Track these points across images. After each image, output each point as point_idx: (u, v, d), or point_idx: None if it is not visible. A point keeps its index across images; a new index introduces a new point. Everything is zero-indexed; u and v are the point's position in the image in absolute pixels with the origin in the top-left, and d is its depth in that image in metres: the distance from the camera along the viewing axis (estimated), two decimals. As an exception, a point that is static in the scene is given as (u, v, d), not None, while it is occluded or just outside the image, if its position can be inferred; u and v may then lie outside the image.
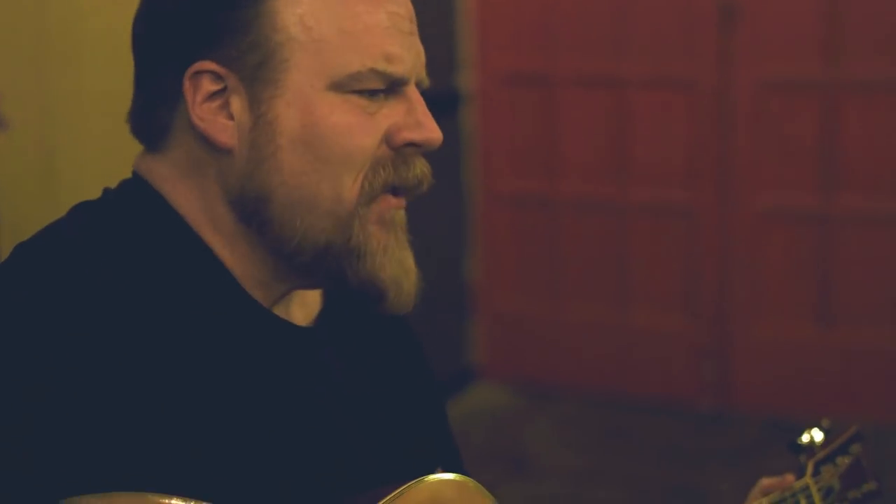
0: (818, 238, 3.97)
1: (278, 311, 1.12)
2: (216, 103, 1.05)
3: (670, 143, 4.10)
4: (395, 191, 1.10)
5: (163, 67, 1.07)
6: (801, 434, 1.39)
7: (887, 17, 3.81)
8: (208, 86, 1.05)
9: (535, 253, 4.35)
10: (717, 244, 4.08)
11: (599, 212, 4.24)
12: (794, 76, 3.94)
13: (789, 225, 4.01)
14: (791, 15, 3.91)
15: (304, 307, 1.16)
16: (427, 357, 1.30)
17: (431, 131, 1.10)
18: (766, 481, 1.37)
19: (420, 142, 1.09)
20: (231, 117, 1.05)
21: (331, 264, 1.08)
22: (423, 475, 1.08)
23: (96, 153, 2.62)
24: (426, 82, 1.12)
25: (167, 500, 0.95)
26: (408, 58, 1.08)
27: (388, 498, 1.05)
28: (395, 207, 1.10)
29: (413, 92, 1.10)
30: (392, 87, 1.08)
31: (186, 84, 1.05)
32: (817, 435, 1.39)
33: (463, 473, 1.12)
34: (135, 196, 1.10)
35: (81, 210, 1.10)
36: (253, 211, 1.06)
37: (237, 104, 1.05)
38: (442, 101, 4.10)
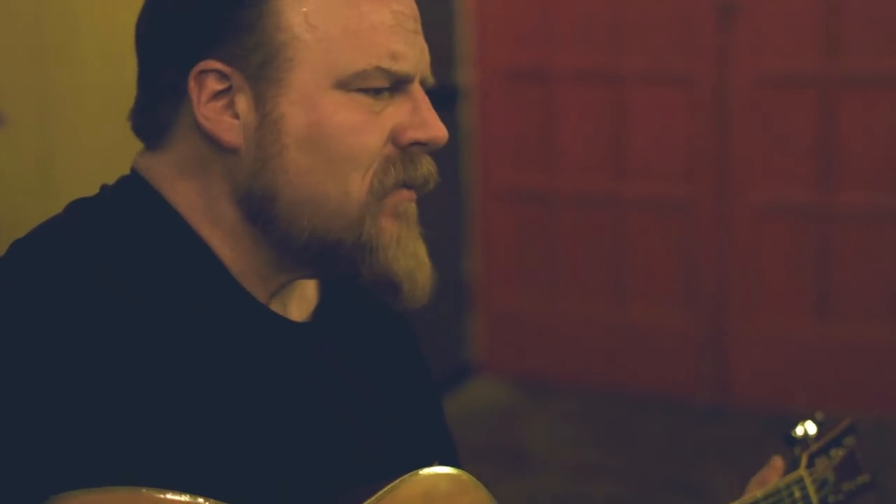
0: (816, 233, 3.97)
1: (275, 306, 1.12)
2: (221, 102, 1.05)
3: (669, 138, 4.10)
4: (405, 186, 1.10)
5: (167, 66, 1.07)
6: (795, 426, 1.39)
7: (885, 12, 3.81)
8: (213, 85, 1.05)
9: (534, 248, 4.35)
10: (716, 240, 4.08)
11: (598, 207, 4.24)
12: (792, 72, 3.94)
13: (788, 220, 4.01)
14: (789, 11, 3.91)
15: (301, 302, 1.17)
16: (423, 351, 1.31)
17: (437, 130, 1.10)
18: (759, 474, 1.38)
19: (426, 140, 1.09)
20: (236, 116, 1.05)
21: (342, 260, 1.08)
22: (418, 469, 1.09)
23: (94, 150, 2.62)
24: (431, 81, 1.12)
25: (163, 495, 0.95)
26: (412, 56, 1.08)
27: (382, 491, 1.06)
28: (407, 200, 1.11)
29: (418, 90, 1.10)
30: (397, 85, 1.08)
31: (191, 83, 1.05)
32: (811, 427, 1.39)
33: (459, 467, 1.12)
34: (132, 193, 1.10)
35: (78, 207, 1.10)
36: (259, 209, 1.07)
37: (242, 103, 1.05)
38: (441, 97, 4.08)
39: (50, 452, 0.94)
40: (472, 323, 4.44)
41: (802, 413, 1.43)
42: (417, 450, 1.19)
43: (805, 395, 3.94)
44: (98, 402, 0.96)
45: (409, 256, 1.10)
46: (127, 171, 1.13)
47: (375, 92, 1.07)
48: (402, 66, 1.07)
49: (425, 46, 1.11)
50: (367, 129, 1.06)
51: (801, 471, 1.37)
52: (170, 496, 0.95)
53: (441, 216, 4.09)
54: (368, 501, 1.05)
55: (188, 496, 0.96)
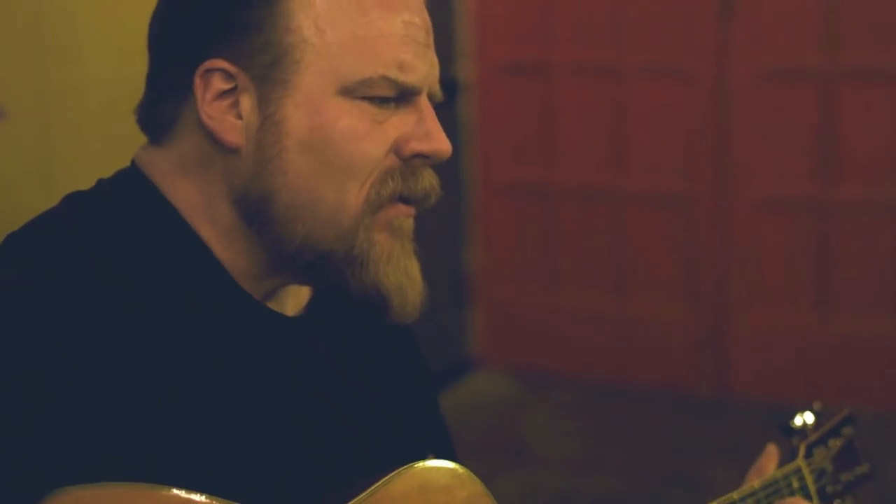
0: (816, 228, 3.97)
1: (271, 303, 1.12)
2: (226, 102, 1.05)
3: (669, 132, 4.10)
4: (403, 199, 1.09)
5: (174, 63, 1.07)
6: (793, 417, 1.39)
7: (884, 6, 3.81)
8: (219, 84, 1.05)
9: (534, 242, 4.35)
10: (716, 233, 4.08)
11: (598, 201, 4.24)
12: (791, 66, 3.94)
13: (787, 214, 4.01)
14: (789, 5, 3.90)
15: (295, 297, 1.16)
16: (419, 345, 1.30)
17: (440, 143, 1.09)
18: (756, 464, 1.38)
19: (429, 153, 1.09)
20: (240, 117, 1.05)
21: (331, 270, 1.08)
22: (413, 463, 1.08)
23: (94, 145, 2.62)
24: (439, 95, 1.11)
25: (159, 491, 0.95)
26: (421, 68, 1.07)
27: (377, 484, 1.05)
28: (404, 215, 1.10)
29: (424, 102, 1.09)
30: (403, 96, 1.07)
31: (197, 81, 1.05)
32: (809, 418, 1.39)
33: (455, 461, 1.12)
34: (129, 186, 1.10)
35: (74, 199, 1.10)
36: (255, 211, 1.06)
37: (247, 104, 1.05)
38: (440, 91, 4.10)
39: (46, 448, 0.94)
40: (472, 317, 4.44)
41: (801, 405, 1.43)
42: (413, 443, 1.19)
43: (805, 388, 3.94)
44: (93, 396, 0.95)
45: (399, 272, 1.09)
46: (126, 165, 1.13)
47: (381, 101, 1.06)
48: (409, 78, 1.06)
49: (435, 60, 1.10)
50: (369, 138, 1.06)
51: (799, 461, 1.37)
52: (166, 492, 0.95)
53: (441, 210, 4.07)
54: (363, 495, 1.05)
55: (184, 491, 0.96)
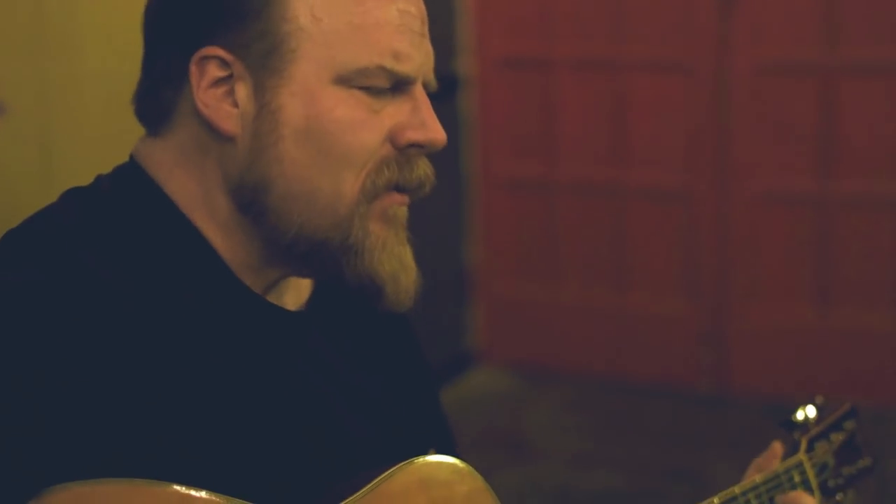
0: (816, 221, 3.97)
1: (271, 297, 1.12)
2: (222, 90, 1.05)
3: (669, 127, 4.10)
4: (398, 188, 1.09)
5: (170, 51, 1.07)
6: (795, 411, 1.39)
7: (884, 0, 3.81)
8: (214, 72, 1.05)
9: (534, 237, 4.35)
10: (716, 228, 4.08)
11: (598, 196, 4.24)
12: (792, 60, 3.94)
13: (787, 208, 4.01)
14: (789, -2, 3.90)
15: (296, 291, 1.16)
16: (422, 340, 1.30)
17: (435, 132, 1.09)
18: (758, 460, 1.38)
19: (424, 142, 1.09)
20: (236, 105, 1.05)
21: (327, 259, 1.08)
22: (414, 458, 1.08)
23: (94, 139, 2.62)
24: (434, 84, 1.11)
25: (158, 487, 0.95)
26: (416, 57, 1.08)
27: (377, 479, 1.05)
28: (398, 204, 1.10)
29: (419, 92, 1.09)
30: (398, 85, 1.07)
31: (192, 69, 1.05)
32: (811, 411, 1.39)
33: (456, 456, 1.12)
34: (127, 181, 1.09)
35: (73, 195, 1.10)
36: (251, 200, 1.06)
37: (242, 92, 1.05)
38: (440, 86, 4.09)
39: (46, 444, 0.93)
40: (473, 312, 4.44)
41: (803, 399, 1.43)
42: (414, 438, 1.19)
43: (805, 383, 3.94)
44: (92, 392, 0.95)
45: (393, 260, 1.09)
46: (126, 160, 1.12)
47: (376, 91, 1.06)
48: (404, 67, 1.06)
49: (430, 49, 1.10)
50: (365, 127, 1.06)
51: (801, 455, 1.36)
52: (165, 488, 0.95)
53: (441, 205, 4.09)
54: (364, 489, 1.05)
55: (183, 487, 0.96)
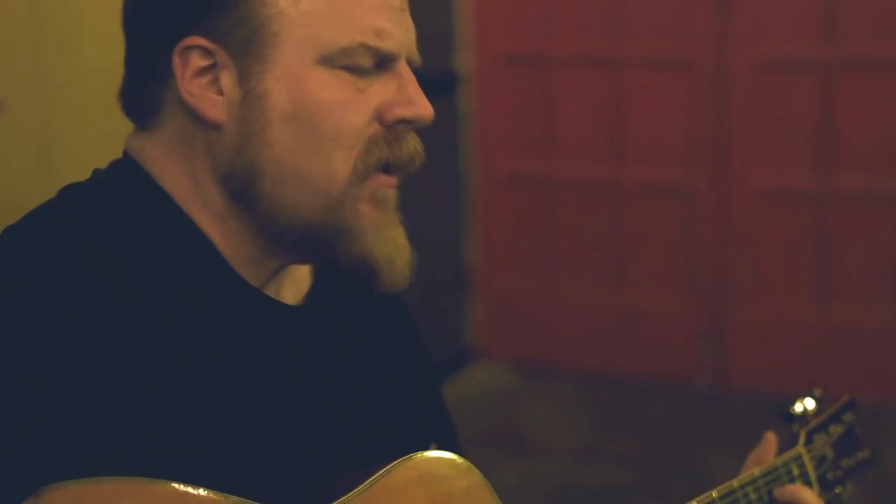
0: (816, 218, 3.97)
1: (269, 290, 1.12)
2: (206, 79, 1.05)
3: (668, 123, 4.10)
4: (386, 168, 1.09)
5: (152, 43, 1.06)
6: (793, 404, 1.39)
7: (884, -4, 3.81)
8: (198, 61, 1.04)
9: (533, 233, 4.35)
10: (715, 224, 4.08)
11: (597, 192, 4.24)
12: (791, 56, 3.94)
13: (787, 205, 4.01)
14: (788, -5, 3.90)
15: (295, 285, 1.16)
16: (421, 334, 1.30)
17: (423, 107, 1.09)
18: (754, 453, 1.37)
19: (411, 118, 1.08)
20: (221, 92, 1.05)
21: (321, 244, 1.07)
22: (413, 453, 1.08)
23: (92, 135, 2.62)
24: (418, 60, 1.11)
25: (156, 485, 0.95)
26: (398, 33, 1.07)
27: (377, 475, 1.05)
28: (387, 186, 1.09)
29: (404, 68, 1.09)
30: (382, 63, 1.07)
31: (176, 59, 1.05)
32: (810, 404, 1.39)
33: (457, 451, 1.12)
34: (122, 176, 1.09)
35: (70, 192, 1.09)
36: (242, 188, 1.06)
37: (227, 79, 1.05)
38: (439, 82, 4.10)
39: (43, 441, 0.93)
40: (472, 308, 4.45)
41: (801, 393, 1.42)
42: (415, 433, 1.18)
43: (804, 379, 3.92)
44: (89, 387, 0.95)
45: (387, 241, 1.09)
46: (121, 157, 1.12)
47: (360, 70, 1.06)
48: (387, 44, 1.06)
49: (412, 25, 1.10)
50: (351, 107, 1.05)
51: (800, 448, 1.36)
52: (163, 486, 0.95)
53: (440, 202, 4.09)
54: (363, 485, 1.04)
55: (181, 485, 0.95)
